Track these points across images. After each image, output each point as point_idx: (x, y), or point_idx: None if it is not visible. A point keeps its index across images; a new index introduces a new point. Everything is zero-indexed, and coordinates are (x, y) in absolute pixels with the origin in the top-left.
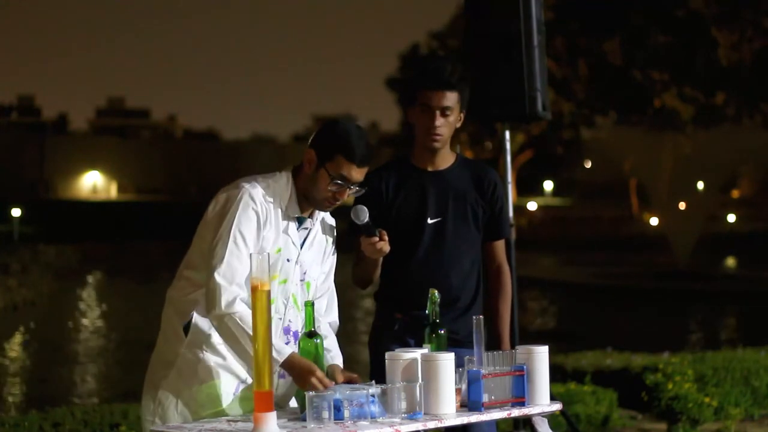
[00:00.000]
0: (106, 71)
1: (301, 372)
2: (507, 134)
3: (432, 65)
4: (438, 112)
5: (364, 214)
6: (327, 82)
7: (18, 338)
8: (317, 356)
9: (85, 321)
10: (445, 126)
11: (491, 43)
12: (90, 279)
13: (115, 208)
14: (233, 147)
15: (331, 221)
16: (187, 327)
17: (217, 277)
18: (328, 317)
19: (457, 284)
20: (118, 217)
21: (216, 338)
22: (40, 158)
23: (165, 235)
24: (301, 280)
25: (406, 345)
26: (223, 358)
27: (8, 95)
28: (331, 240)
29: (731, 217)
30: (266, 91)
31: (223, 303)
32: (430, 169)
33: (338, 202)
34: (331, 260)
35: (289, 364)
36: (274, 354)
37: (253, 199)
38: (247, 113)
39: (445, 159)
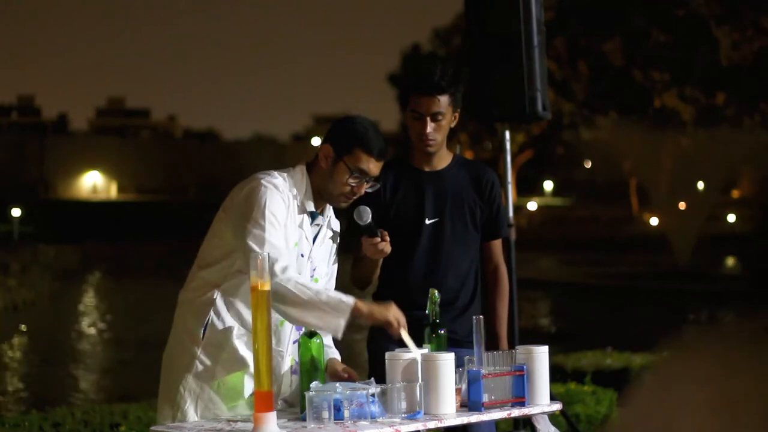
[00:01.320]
0: (106, 71)
1: (379, 309)
2: (507, 134)
3: (421, 69)
4: (429, 118)
5: (367, 215)
6: (327, 81)
7: (18, 338)
8: (317, 356)
9: (85, 321)
10: (438, 131)
11: (491, 43)
12: (90, 279)
13: (115, 208)
14: (233, 147)
15: (336, 227)
16: (205, 329)
17: (264, 252)
18: None
19: (455, 284)
20: (118, 217)
21: (234, 338)
22: (40, 158)
23: (165, 235)
24: (311, 277)
25: (405, 345)
26: (241, 358)
27: (8, 95)
28: (335, 247)
29: (731, 217)
30: (266, 91)
31: (278, 270)
32: (427, 169)
33: (355, 197)
34: (334, 266)
35: (361, 310)
36: (345, 299)
37: (277, 187)
38: (247, 113)
39: (443, 159)
